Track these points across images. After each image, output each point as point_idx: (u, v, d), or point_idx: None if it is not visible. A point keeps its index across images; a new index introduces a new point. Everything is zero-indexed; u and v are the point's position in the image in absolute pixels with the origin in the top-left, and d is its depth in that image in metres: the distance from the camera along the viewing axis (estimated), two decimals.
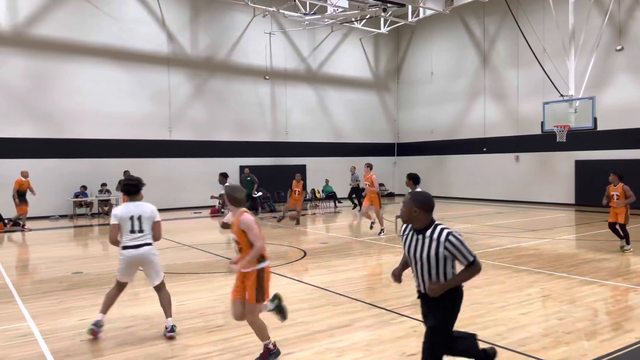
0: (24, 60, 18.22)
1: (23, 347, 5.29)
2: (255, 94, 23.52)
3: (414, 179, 9.58)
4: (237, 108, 22.95)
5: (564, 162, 20.76)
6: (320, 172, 24.25)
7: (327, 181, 23.29)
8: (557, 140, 17.03)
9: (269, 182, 21.71)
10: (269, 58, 23.78)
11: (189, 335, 5.56)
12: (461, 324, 5.71)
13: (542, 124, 17.60)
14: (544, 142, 20.36)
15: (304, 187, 16.71)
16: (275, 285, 7.81)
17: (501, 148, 23.17)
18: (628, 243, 10.25)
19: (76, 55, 19.14)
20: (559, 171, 21.07)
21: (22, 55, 18.17)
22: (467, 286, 7.45)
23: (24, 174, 15.65)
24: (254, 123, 23.51)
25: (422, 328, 5.60)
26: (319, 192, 23.16)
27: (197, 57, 21.92)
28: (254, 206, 20.21)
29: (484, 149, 23.93)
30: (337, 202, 21.96)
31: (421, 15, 23.92)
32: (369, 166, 13.85)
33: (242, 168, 22.63)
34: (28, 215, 15.74)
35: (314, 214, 19.63)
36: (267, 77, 23.68)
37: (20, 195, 15.43)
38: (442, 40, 25.91)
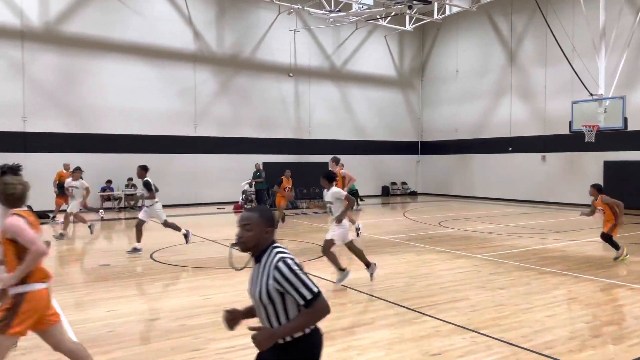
0: (55, 56, 18.65)
1: None
2: (279, 91, 23.62)
3: (328, 178, 7.75)
4: (261, 105, 23.09)
5: (593, 163, 20.32)
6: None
7: None
8: (586, 140, 16.67)
9: (292, 179, 21.74)
10: (293, 55, 23.84)
11: (212, 329, 5.63)
12: (484, 325, 5.67)
13: (570, 123, 17.26)
14: (571, 142, 19.97)
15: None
16: None
17: (527, 148, 22.81)
18: (617, 248, 9.35)
19: (105, 52, 19.50)
20: (586, 172, 20.62)
21: (53, 51, 18.59)
22: (490, 287, 7.44)
23: (66, 167, 16.20)
24: (277, 120, 23.62)
25: (445, 328, 5.59)
26: None
27: (222, 55, 22.12)
28: (257, 199, 20.12)
29: (510, 149, 23.58)
30: (359, 200, 21.93)
31: (447, 13, 23.68)
32: (336, 161, 12.06)
33: (264, 165, 22.74)
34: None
35: None
36: (291, 75, 23.75)
37: (59, 187, 15.96)
38: (468, 38, 25.60)
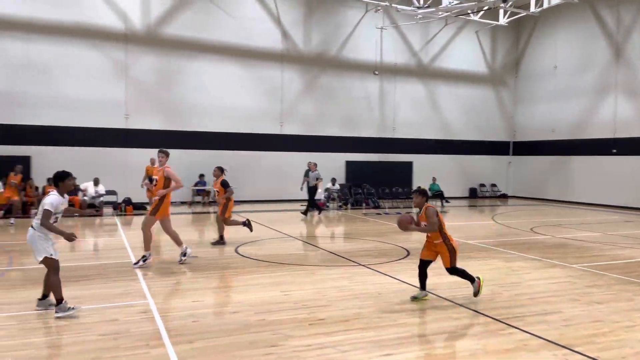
0: (154, 57, 19.86)
1: (142, 323, 5.74)
2: (363, 89, 23.51)
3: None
4: (345, 103, 23.12)
5: None
6: (427, 169, 23.65)
7: (434, 179, 22.65)
8: None
9: (374, 178, 21.64)
10: (379, 53, 23.61)
11: (291, 325, 5.67)
12: (578, 342, 5.23)
13: None
14: None
15: (225, 183, 11.47)
16: (376, 283, 7.75)
17: (634, 150, 20.91)
18: (471, 281, 6.74)
19: (199, 53, 20.45)
20: None
21: (152, 53, 19.81)
22: (586, 301, 6.88)
23: (152, 161, 17.27)
24: (361, 118, 23.53)
25: (533, 342, 5.23)
26: None
27: (309, 54, 22.40)
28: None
29: (613, 150, 21.77)
30: (444, 201, 21.30)
31: (545, 5, 22.30)
32: (164, 153, 9.64)
33: (347, 163, 22.75)
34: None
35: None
36: (377, 72, 23.53)
37: (150, 181, 17.04)
38: (568, 32, 23.94)
